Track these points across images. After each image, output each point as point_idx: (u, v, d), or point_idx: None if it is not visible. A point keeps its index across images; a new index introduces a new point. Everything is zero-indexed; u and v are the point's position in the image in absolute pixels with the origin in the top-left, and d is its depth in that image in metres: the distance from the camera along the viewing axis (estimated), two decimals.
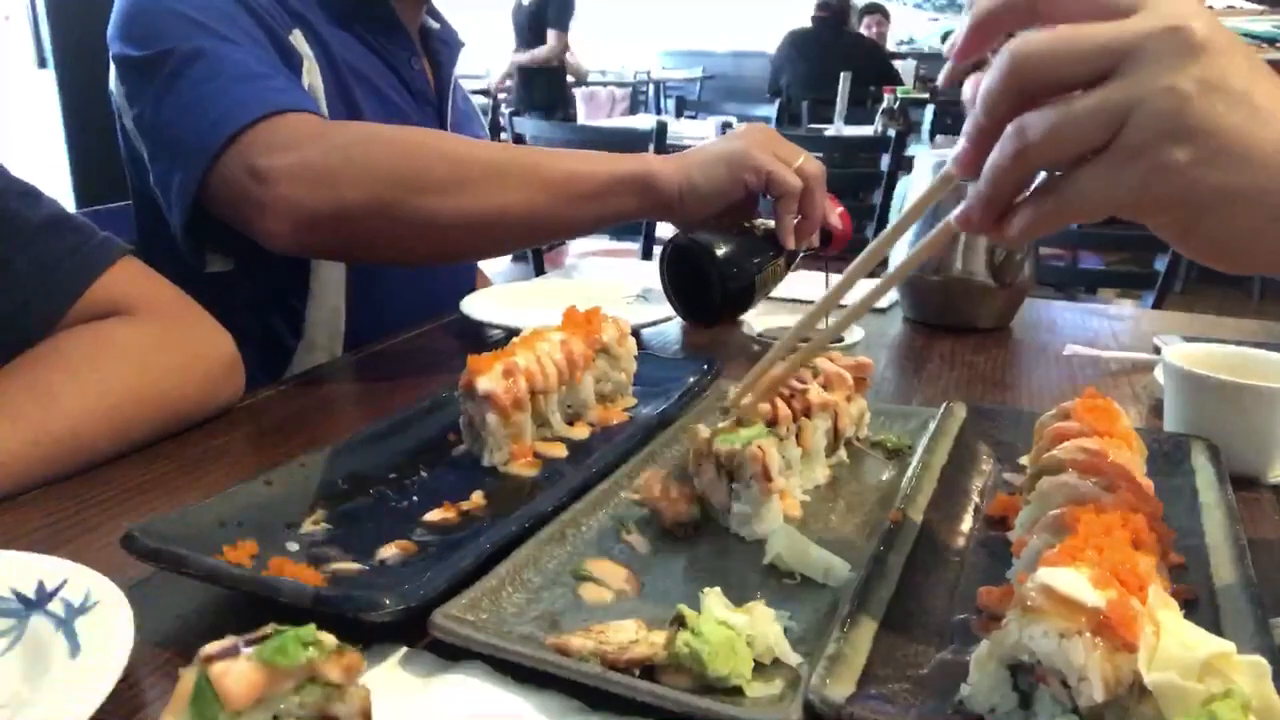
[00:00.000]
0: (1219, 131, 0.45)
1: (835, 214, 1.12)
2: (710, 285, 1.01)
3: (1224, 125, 0.45)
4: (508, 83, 6.45)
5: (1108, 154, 0.46)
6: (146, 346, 0.83)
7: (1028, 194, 0.50)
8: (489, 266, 1.58)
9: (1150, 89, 0.45)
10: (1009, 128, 0.48)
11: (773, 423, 0.70)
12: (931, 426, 0.79)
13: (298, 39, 1.07)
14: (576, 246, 5.26)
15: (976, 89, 0.50)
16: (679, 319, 1.11)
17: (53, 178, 3.25)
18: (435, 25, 1.31)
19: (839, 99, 4.30)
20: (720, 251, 1.01)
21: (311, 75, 1.07)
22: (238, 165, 0.92)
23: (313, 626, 0.39)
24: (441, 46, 1.31)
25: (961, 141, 0.51)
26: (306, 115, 0.96)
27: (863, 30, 6.47)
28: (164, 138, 0.99)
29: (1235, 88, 0.46)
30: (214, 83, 0.95)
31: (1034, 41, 0.47)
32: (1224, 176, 0.46)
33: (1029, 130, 0.47)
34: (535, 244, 1.24)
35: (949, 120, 4.72)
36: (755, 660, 0.50)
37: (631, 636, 0.50)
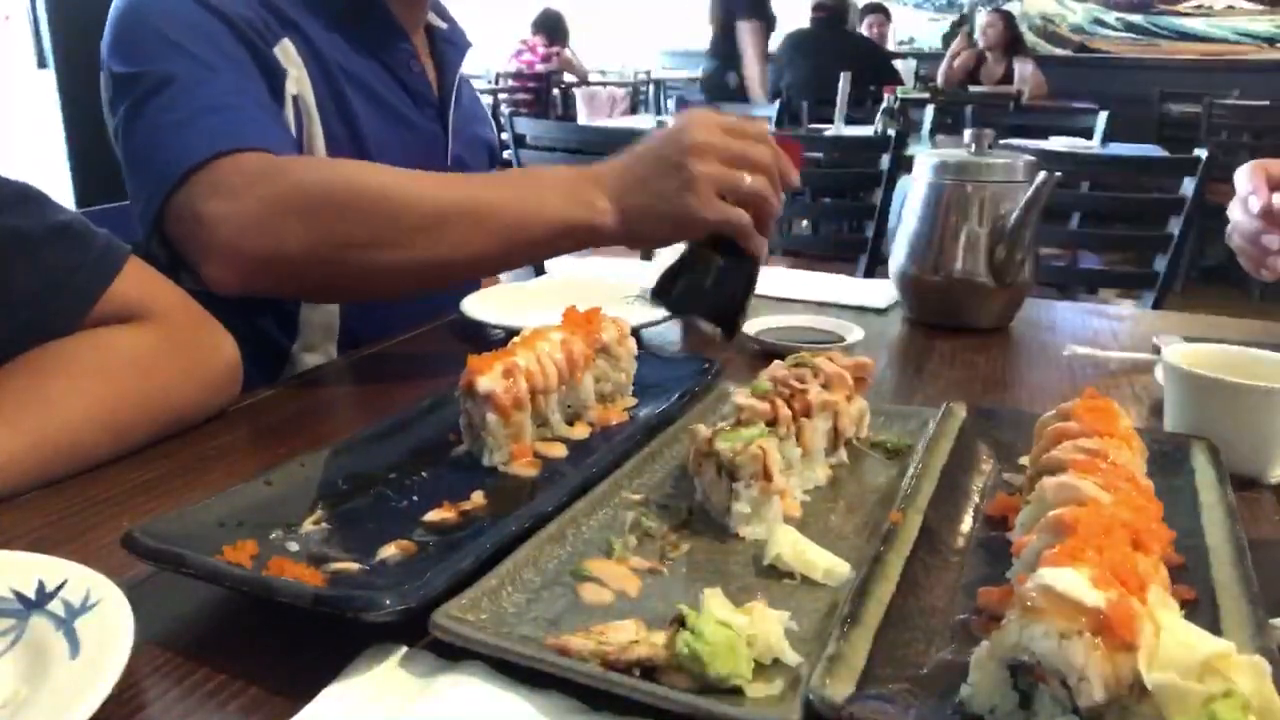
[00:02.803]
0: None
1: (792, 172, 1.02)
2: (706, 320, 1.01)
3: None
4: None
5: None
6: (148, 352, 0.83)
7: None
8: None
9: None
10: None
11: (773, 423, 0.70)
12: (931, 426, 0.79)
13: (285, 50, 1.06)
14: None
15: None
16: (678, 320, 1.11)
17: (53, 178, 3.24)
18: (442, 25, 1.30)
19: (839, 99, 4.30)
20: (702, 305, 0.99)
21: (300, 85, 1.06)
22: (185, 207, 0.92)
23: None
24: (448, 47, 1.30)
25: None
26: (257, 155, 0.94)
27: (864, 30, 6.47)
28: (130, 160, 1.00)
29: None
30: (176, 114, 0.95)
31: None
32: None
33: None
34: (478, 278, 1.22)
35: (949, 120, 4.73)
36: (755, 660, 0.50)
37: (631, 636, 0.50)
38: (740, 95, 5.20)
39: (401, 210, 0.94)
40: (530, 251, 1.03)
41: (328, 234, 0.92)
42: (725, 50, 5.34)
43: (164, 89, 0.96)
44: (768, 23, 5.41)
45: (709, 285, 0.97)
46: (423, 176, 0.97)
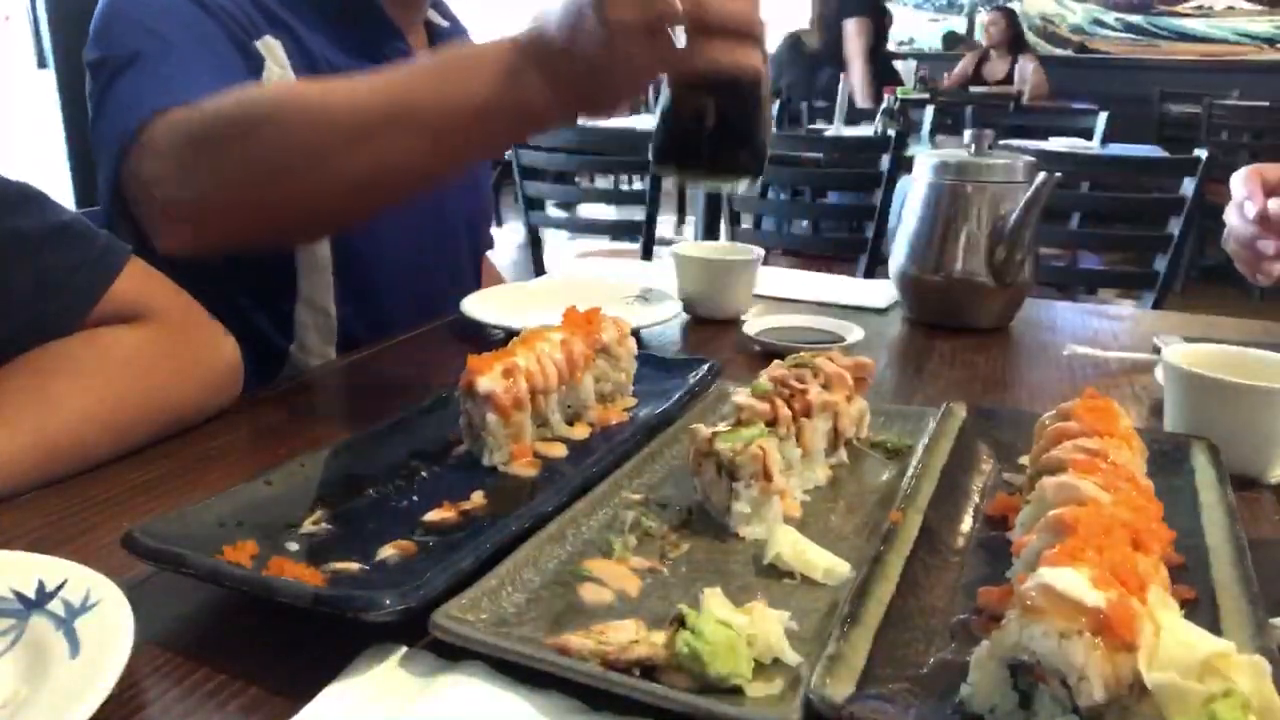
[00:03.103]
0: None
1: None
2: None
3: None
4: None
5: None
6: (149, 352, 0.83)
7: None
8: (499, 260, 1.56)
9: None
10: None
11: (773, 423, 0.70)
12: (931, 426, 0.79)
13: (268, 46, 1.04)
14: (577, 246, 5.25)
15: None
16: (680, 319, 1.11)
17: (53, 178, 3.24)
18: (443, 23, 1.28)
19: (839, 100, 4.30)
20: (713, 152, 0.82)
21: (282, 72, 1.05)
22: (129, 179, 0.91)
23: None
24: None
25: None
26: (184, 108, 0.88)
27: None
28: (94, 143, 0.99)
29: None
30: (131, 88, 0.92)
31: None
32: None
33: None
34: (426, 186, 1.04)
35: (949, 120, 4.73)
36: (755, 660, 0.50)
37: (631, 636, 0.50)
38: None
39: (308, 124, 0.85)
40: (463, 149, 0.89)
41: (240, 164, 0.86)
42: (829, 50, 5.08)
43: (128, 68, 0.94)
44: (879, 20, 5.16)
45: (709, 129, 0.80)
46: (333, 83, 0.88)
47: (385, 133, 0.83)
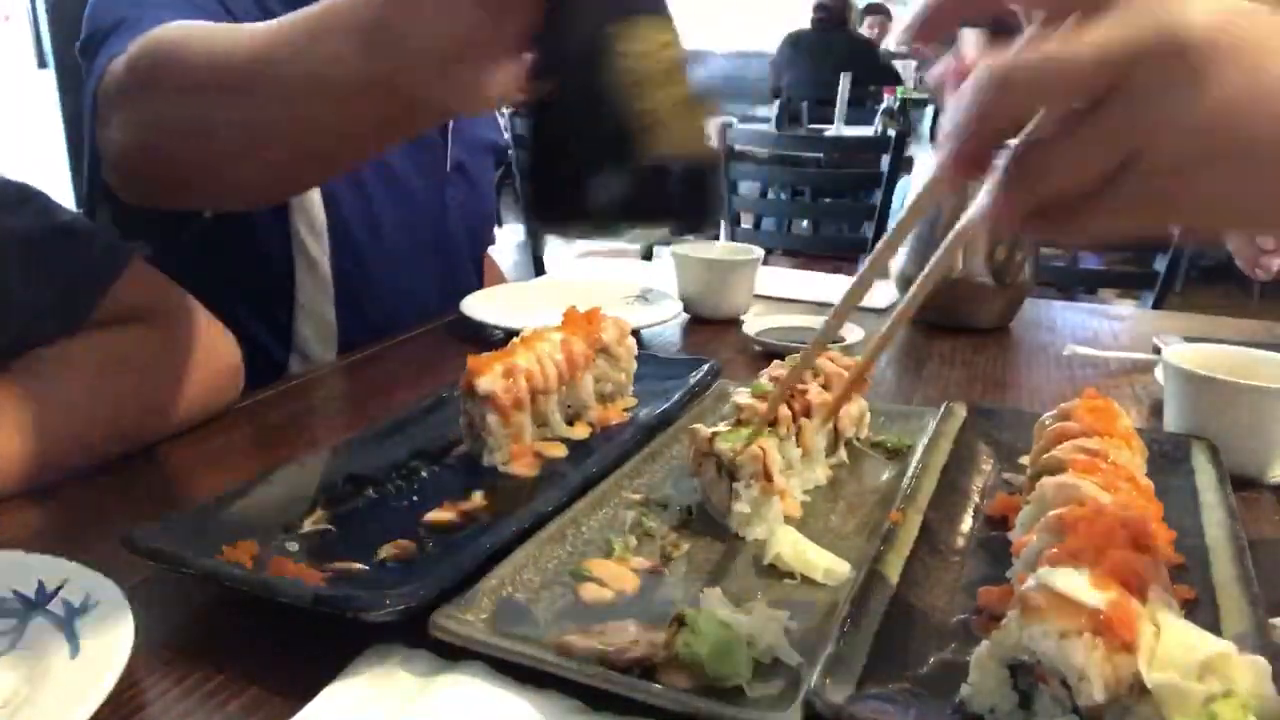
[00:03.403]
0: (1259, 139, 0.40)
1: None
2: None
3: (1255, 133, 0.40)
4: None
5: (1118, 184, 0.41)
6: (150, 352, 0.83)
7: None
8: (499, 261, 1.55)
9: (1159, 127, 0.40)
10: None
11: (773, 423, 0.70)
12: (931, 426, 0.79)
13: None
14: (576, 246, 5.26)
15: (949, 77, 0.46)
16: (680, 319, 1.11)
17: (53, 178, 3.24)
18: None
19: (839, 100, 4.30)
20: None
21: None
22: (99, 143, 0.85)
23: None
24: None
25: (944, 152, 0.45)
26: (128, 51, 0.78)
27: (865, 31, 6.46)
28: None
29: (1262, 86, 0.39)
30: (105, 50, 0.84)
31: (1018, 66, 0.41)
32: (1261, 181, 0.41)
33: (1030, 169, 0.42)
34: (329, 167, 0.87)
35: None
36: (755, 660, 0.50)
37: (631, 636, 0.50)
38: None
39: (187, 78, 0.72)
40: (319, 136, 0.69)
41: (139, 118, 0.77)
42: None
43: (110, 35, 0.87)
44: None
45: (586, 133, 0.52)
46: (225, 31, 0.74)
47: (244, 98, 0.69)
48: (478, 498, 0.70)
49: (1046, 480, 0.59)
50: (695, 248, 1.30)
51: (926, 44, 0.46)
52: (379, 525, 0.66)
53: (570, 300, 0.92)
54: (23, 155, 3.40)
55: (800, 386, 0.74)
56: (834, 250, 3.27)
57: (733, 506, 0.66)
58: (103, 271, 0.82)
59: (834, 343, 1.10)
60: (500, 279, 1.46)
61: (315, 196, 1.09)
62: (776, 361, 0.80)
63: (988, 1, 0.46)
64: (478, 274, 1.41)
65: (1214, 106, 0.40)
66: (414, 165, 1.21)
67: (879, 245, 0.58)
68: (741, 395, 0.74)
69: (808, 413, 0.73)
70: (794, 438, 0.71)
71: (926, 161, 1.27)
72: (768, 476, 0.65)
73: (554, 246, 4.21)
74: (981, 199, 0.45)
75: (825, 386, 0.77)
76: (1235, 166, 0.41)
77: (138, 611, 0.51)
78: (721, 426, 0.70)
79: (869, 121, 4.29)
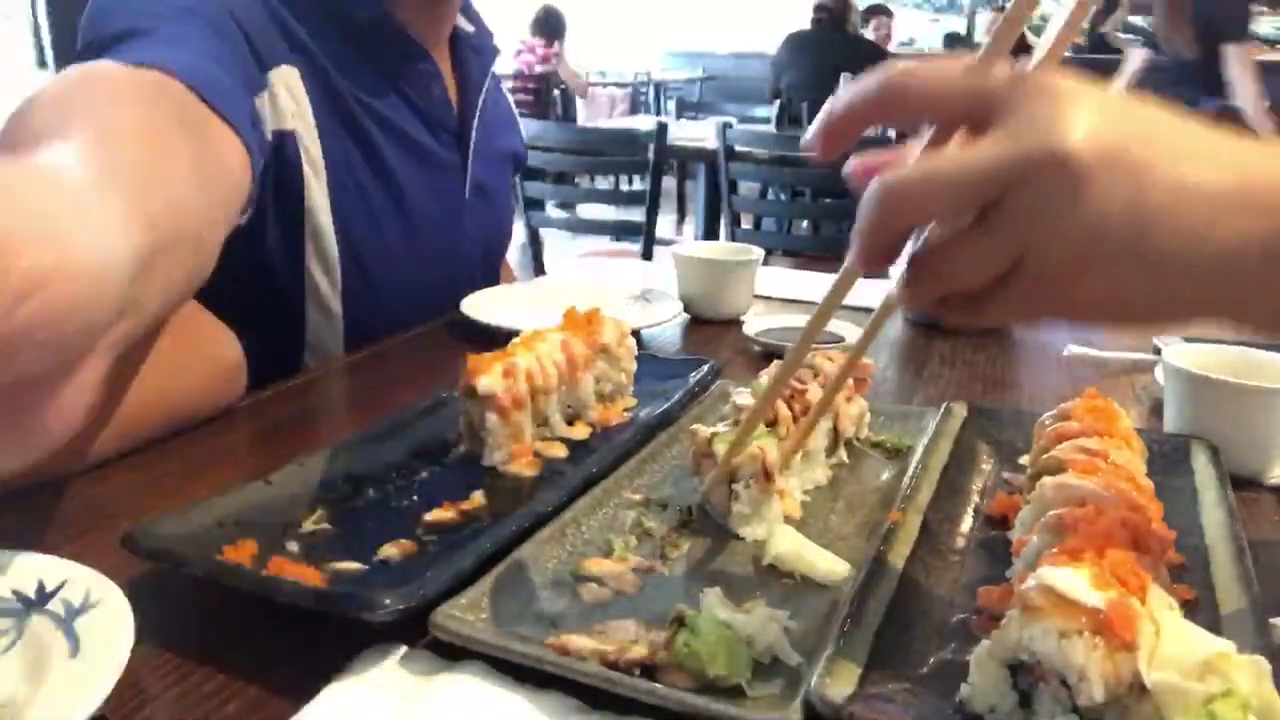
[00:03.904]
0: (1138, 247, 0.42)
1: None
2: None
3: (1143, 237, 0.42)
4: None
5: (1010, 284, 0.44)
6: (151, 349, 0.83)
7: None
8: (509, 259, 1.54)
9: (1041, 237, 0.43)
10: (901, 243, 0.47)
11: (773, 423, 0.70)
12: (931, 426, 0.79)
13: (282, 76, 0.98)
14: (577, 247, 5.25)
15: (858, 172, 0.49)
16: (680, 319, 1.10)
17: None
18: (469, 29, 1.22)
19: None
20: None
21: (300, 119, 1.00)
22: None
23: None
24: (472, 57, 1.21)
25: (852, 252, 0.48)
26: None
27: (866, 32, 6.47)
28: None
29: (1150, 197, 0.42)
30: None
31: (909, 180, 0.44)
32: (1151, 281, 0.44)
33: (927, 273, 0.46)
34: None
35: None
36: (755, 660, 0.50)
37: (631, 636, 0.50)
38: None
39: None
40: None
41: None
42: (1206, 76, 4.35)
43: (113, 45, 0.81)
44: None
45: None
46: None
47: None
48: (478, 498, 0.70)
49: (1046, 480, 0.59)
50: (695, 248, 1.30)
51: (828, 158, 0.49)
52: (379, 525, 0.66)
53: (570, 300, 0.92)
54: None
55: (799, 386, 0.74)
56: (834, 250, 3.27)
57: (733, 506, 0.66)
58: None
59: (834, 343, 1.10)
60: (510, 279, 1.44)
61: (329, 232, 1.07)
62: (777, 361, 0.80)
63: (881, 116, 0.48)
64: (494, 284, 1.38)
65: (1093, 217, 0.42)
66: (432, 195, 1.18)
67: (812, 317, 0.66)
68: (741, 395, 0.74)
69: (808, 412, 0.73)
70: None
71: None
72: (768, 476, 0.65)
73: (554, 246, 4.21)
74: (892, 285, 0.48)
75: (825, 387, 0.77)
76: (1119, 272, 0.43)
77: (138, 611, 0.51)
78: (721, 427, 0.70)
79: None
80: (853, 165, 0.50)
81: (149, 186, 0.54)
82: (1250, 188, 0.43)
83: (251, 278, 1.03)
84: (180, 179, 0.62)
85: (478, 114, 1.22)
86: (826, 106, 0.48)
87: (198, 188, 0.65)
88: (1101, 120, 0.42)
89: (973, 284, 0.45)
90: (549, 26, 7.03)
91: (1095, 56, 5.03)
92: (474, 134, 1.22)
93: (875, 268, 0.48)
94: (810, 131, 0.49)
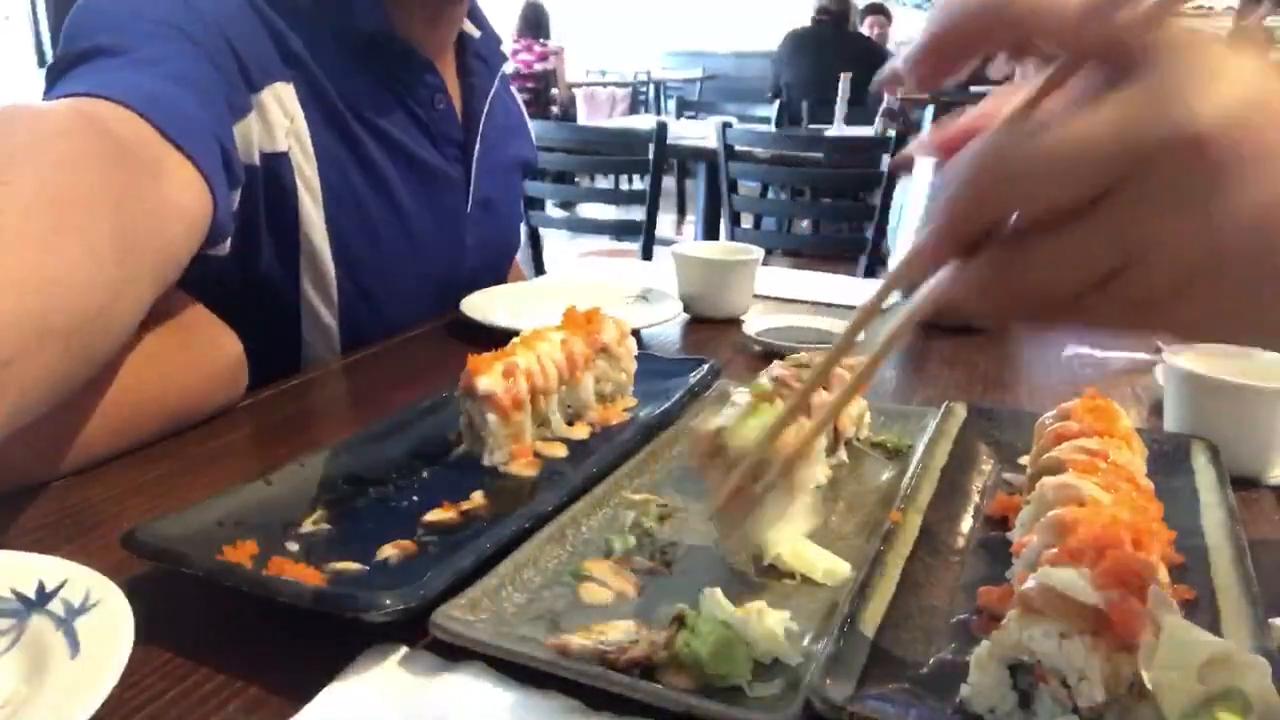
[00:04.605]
0: (1262, 258, 0.35)
1: None
2: None
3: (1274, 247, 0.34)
4: None
5: (1108, 290, 0.36)
6: (151, 349, 0.83)
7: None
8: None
9: (1163, 235, 0.35)
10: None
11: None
12: (931, 426, 0.79)
13: (275, 93, 0.96)
14: (577, 246, 5.25)
15: (943, 146, 0.41)
16: (680, 319, 1.10)
17: None
18: (476, 33, 1.18)
19: (839, 100, 4.30)
20: None
21: (295, 135, 0.98)
22: None
23: None
24: (478, 64, 1.19)
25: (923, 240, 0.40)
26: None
27: (865, 31, 6.46)
28: None
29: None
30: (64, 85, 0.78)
31: (1010, 157, 0.36)
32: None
33: (1019, 269, 0.37)
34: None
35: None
36: (755, 660, 0.50)
37: (631, 636, 0.50)
38: None
39: None
40: None
41: None
42: None
43: (79, 64, 0.79)
44: None
45: None
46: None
47: None
48: (478, 498, 0.70)
49: (1046, 480, 0.59)
50: (695, 248, 1.30)
51: (928, 89, 0.42)
52: (379, 525, 0.66)
53: (570, 300, 0.92)
54: None
55: (800, 386, 0.74)
56: (834, 250, 3.27)
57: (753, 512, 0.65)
58: None
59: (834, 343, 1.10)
60: (519, 277, 1.43)
61: (325, 253, 1.05)
62: (777, 361, 0.80)
63: (1001, 35, 0.38)
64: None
65: (1227, 218, 0.34)
66: (432, 211, 1.16)
67: (867, 300, 0.52)
68: (741, 395, 0.74)
69: (808, 412, 0.73)
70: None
71: (926, 163, 1.27)
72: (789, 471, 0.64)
73: (554, 246, 4.20)
74: (937, 280, 0.40)
75: (825, 387, 0.77)
76: (1242, 283, 0.36)
77: (138, 611, 0.51)
78: (723, 420, 0.70)
79: (869, 121, 4.29)
80: (932, 137, 0.42)
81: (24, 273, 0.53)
82: None
83: (245, 298, 1.00)
84: (79, 251, 0.58)
85: (482, 125, 1.20)
86: (927, 26, 0.39)
87: (112, 250, 0.61)
88: (1255, 98, 0.34)
89: (1065, 289, 0.36)
90: (535, 24, 6.94)
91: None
92: (478, 148, 1.20)
93: (951, 257, 0.39)
94: (909, 54, 0.39)
